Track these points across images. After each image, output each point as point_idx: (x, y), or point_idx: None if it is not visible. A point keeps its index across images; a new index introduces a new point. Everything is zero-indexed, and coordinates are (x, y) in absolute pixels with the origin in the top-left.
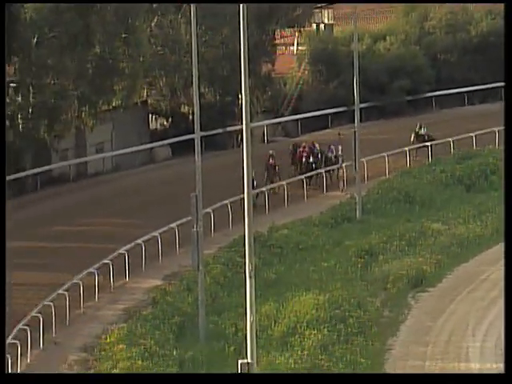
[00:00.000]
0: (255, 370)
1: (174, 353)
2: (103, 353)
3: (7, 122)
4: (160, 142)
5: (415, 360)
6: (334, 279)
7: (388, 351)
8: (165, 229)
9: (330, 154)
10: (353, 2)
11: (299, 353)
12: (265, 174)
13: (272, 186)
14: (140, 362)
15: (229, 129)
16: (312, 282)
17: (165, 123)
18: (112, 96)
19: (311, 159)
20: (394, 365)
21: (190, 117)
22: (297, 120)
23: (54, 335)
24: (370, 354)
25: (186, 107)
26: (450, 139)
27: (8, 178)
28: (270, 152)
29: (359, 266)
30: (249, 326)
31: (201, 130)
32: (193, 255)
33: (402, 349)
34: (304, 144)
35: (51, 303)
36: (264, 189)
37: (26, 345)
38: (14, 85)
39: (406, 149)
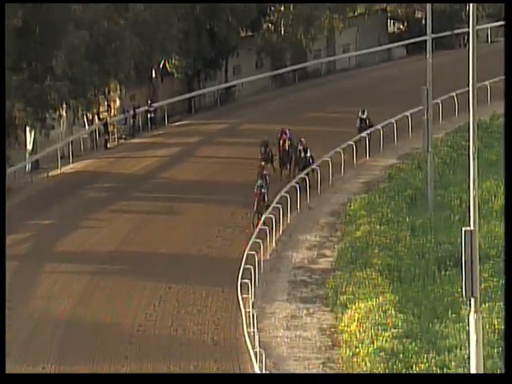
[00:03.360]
0: (477, 236)
1: (407, 219)
2: (347, 218)
3: (272, 28)
4: (396, 43)
5: None
6: None
7: None
8: (399, 116)
9: None
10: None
11: None
12: None
13: None
14: (378, 227)
15: (456, 31)
16: None
17: (401, 27)
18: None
19: None
20: None
21: (423, 21)
22: None
23: (308, 202)
24: None
25: (420, 13)
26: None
27: (272, 73)
28: None
29: None
30: (472, 199)
31: (432, 32)
32: (423, 139)
33: None
34: None
35: (306, 176)
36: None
37: (287, 208)
38: None
39: None
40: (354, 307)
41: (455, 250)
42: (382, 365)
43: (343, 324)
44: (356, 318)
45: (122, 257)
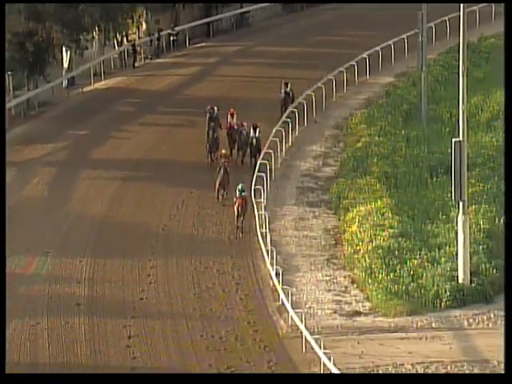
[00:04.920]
0: (465, 146)
1: (402, 132)
2: (349, 130)
3: None
4: None
5: None
6: None
7: None
8: (396, 39)
9: None
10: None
11: (500, 133)
12: None
13: None
14: (376, 138)
15: None
16: None
17: None
18: None
19: None
20: None
21: None
22: None
23: (314, 116)
24: None
25: None
26: None
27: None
28: None
29: None
30: (461, 112)
31: None
32: (418, 59)
33: None
34: None
35: (312, 93)
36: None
37: (294, 123)
38: None
39: None
40: (355, 210)
41: (446, 159)
42: (379, 261)
43: (345, 225)
44: (357, 220)
45: (148, 164)
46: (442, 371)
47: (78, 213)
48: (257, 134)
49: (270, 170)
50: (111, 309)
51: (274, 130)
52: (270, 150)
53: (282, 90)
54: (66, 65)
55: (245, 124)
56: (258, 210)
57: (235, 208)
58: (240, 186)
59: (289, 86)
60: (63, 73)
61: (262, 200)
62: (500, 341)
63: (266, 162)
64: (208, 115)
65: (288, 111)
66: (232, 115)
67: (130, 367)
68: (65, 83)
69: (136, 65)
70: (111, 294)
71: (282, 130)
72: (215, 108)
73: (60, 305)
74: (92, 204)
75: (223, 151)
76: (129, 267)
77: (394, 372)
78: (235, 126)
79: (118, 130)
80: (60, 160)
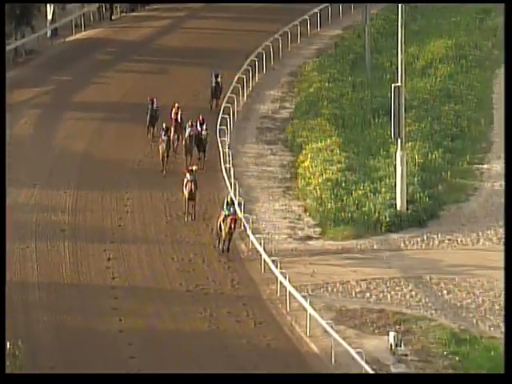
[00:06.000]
0: (403, 91)
1: (349, 78)
2: (303, 77)
3: None
4: None
5: None
6: (459, 29)
7: (495, 78)
8: None
9: None
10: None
11: (434, 79)
12: None
13: None
14: (326, 84)
15: None
16: (444, 31)
17: None
18: None
19: None
20: (499, 87)
21: None
22: None
23: (272, 64)
24: (483, 79)
25: None
26: None
27: None
28: None
29: (477, 20)
30: (399, 61)
31: None
32: (363, 14)
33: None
34: None
35: (270, 44)
36: None
37: (254, 70)
38: None
39: None
40: (307, 148)
41: (386, 102)
42: (328, 192)
43: (299, 161)
44: (309, 156)
45: (125, 107)
46: (382, 286)
47: (62, 149)
48: (204, 127)
49: (233, 112)
50: (92, 234)
51: (236, 77)
52: (233, 95)
53: (213, 81)
54: (49, 17)
55: (194, 123)
56: (222, 148)
57: (223, 226)
58: (229, 198)
59: (219, 77)
60: (47, 24)
61: (226, 139)
62: (432, 260)
63: (229, 105)
64: (148, 109)
65: (217, 101)
66: (176, 112)
67: (109, 286)
68: (49, 33)
69: (113, 18)
70: (92, 222)
71: (244, 76)
72: (154, 100)
73: (46, 231)
74: (74, 142)
75: (195, 167)
76: (108, 198)
77: (341, 289)
78: (190, 130)
79: (98, 76)
80: (45, 102)
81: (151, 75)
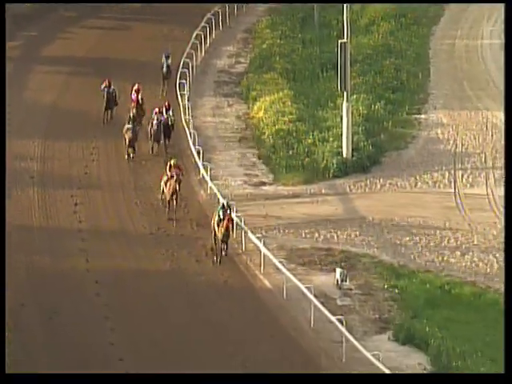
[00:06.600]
0: (349, 47)
1: (299, 35)
2: (256, 34)
3: None
4: None
5: (449, 39)
6: None
7: (432, 35)
8: None
9: None
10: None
11: (376, 36)
12: None
13: None
14: (278, 41)
15: None
16: None
17: None
18: None
19: None
20: (435, 43)
21: None
22: None
23: (228, 24)
24: (421, 35)
25: None
26: None
27: None
28: None
29: None
30: (345, 18)
31: None
32: None
33: (441, 32)
34: None
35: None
36: None
37: (211, 28)
38: None
39: None
40: (261, 100)
41: (333, 57)
42: (280, 141)
43: (253, 112)
44: (263, 108)
45: (90, 61)
46: (330, 227)
47: (31, 101)
48: (170, 113)
49: (192, 66)
50: (60, 181)
51: (194, 34)
52: (192, 51)
53: (164, 63)
54: None
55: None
56: (182, 101)
57: (218, 229)
58: (225, 202)
59: (169, 59)
60: None
61: (186, 92)
62: (374, 202)
63: (188, 60)
64: (105, 92)
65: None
66: (137, 92)
67: (77, 229)
68: None
69: None
70: (60, 169)
71: (202, 33)
72: (111, 82)
73: (17, 177)
74: (43, 94)
75: (172, 161)
76: (74, 147)
77: (292, 230)
78: (157, 117)
79: (63, 32)
80: (15, 57)
81: (114, 31)
